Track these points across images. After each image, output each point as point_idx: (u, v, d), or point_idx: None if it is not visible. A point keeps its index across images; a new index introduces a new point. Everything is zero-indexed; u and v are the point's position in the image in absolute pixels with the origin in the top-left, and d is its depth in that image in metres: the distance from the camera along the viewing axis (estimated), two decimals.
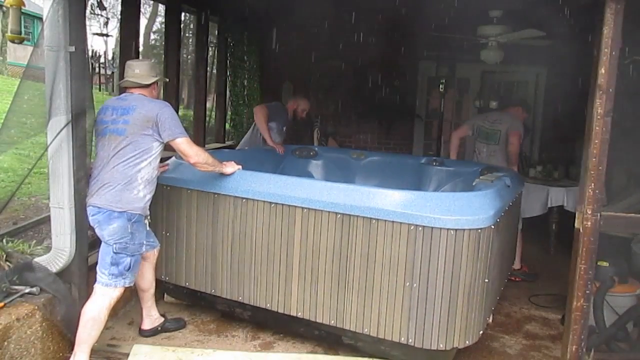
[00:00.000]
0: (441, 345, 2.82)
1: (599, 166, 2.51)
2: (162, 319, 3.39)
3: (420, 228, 2.76)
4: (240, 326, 3.53)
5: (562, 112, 6.34)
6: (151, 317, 3.33)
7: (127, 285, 2.92)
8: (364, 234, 2.90)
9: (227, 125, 6.99)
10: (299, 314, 3.14)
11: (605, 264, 3.42)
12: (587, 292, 2.60)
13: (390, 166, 4.97)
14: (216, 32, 6.81)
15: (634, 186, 4.55)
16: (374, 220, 2.87)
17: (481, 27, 5.41)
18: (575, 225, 2.66)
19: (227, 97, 6.72)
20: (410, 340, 2.85)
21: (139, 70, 3.01)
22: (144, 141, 2.86)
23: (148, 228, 3.09)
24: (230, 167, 3.26)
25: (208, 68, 6.59)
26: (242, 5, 5.82)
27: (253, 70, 6.70)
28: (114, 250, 2.82)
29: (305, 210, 3.04)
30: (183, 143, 2.92)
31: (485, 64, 5.80)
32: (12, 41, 3.81)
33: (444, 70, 7.11)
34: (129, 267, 2.88)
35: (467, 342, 2.87)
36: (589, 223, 2.54)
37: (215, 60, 7.07)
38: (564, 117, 6.36)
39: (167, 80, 3.34)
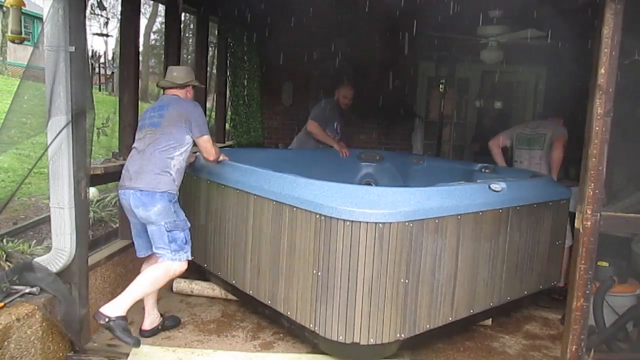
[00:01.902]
0: (341, 338, 2.87)
1: (599, 166, 2.51)
2: (161, 318, 3.42)
3: (322, 217, 2.88)
4: (241, 326, 3.53)
5: (562, 112, 6.33)
6: (152, 317, 3.35)
7: (189, 259, 3.16)
8: (289, 221, 3.10)
9: (227, 125, 6.98)
10: (250, 292, 3.44)
11: (605, 264, 3.43)
12: (587, 292, 2.60)
13: (446, 171, 4.94)
14: (216, 32, 6.80)
15: (634, 186, 4.55)
16: (294, 209, 3.05)
17: (481, 27, 5.40)
18: (575, 225, 2.66)
19: (227, 97, 6.71)
20: (316, 328, 2.95)
21: (177, 74, 3.36)
22: (178, 132, 3.15)
23: None
24: (222, 157, 3.67)
25: (208, 68, 6.59)
26: (242, 5, 5.81)
27: (253, 70, 6.68)
28: (167, 229, 3.05)
29: (256, 197, 3.34)
30: (208, 141, 3.30)
31: (485, 64, 5.80)
32: (12, 41, 3.82)
33: (444, 70, 7.10)
34: (186, 241, 3.13)
35: (372, 340, 2.86)
36: (589, 223, 2.54)
37: (215, 60, 7.06)
38: (563, 117, 6.35)
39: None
